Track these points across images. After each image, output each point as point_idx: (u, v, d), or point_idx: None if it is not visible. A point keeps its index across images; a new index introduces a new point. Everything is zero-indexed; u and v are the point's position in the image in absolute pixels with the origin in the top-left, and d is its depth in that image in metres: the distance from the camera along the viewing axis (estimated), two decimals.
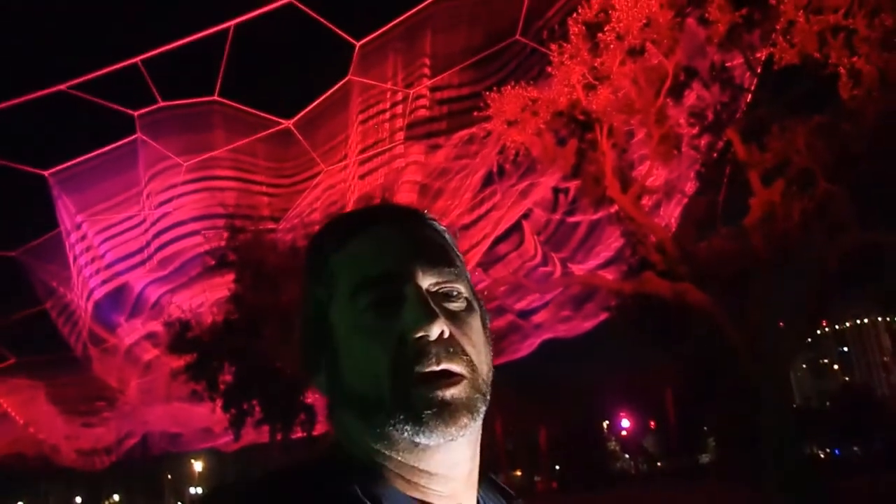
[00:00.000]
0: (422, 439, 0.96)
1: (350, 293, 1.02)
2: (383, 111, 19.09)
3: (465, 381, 0.98)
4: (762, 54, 15.16)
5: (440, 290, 1.02)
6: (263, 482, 0.99)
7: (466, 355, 0.99)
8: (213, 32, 16.60)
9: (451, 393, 0.96)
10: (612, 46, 13.97)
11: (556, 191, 20.78)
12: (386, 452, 0.99)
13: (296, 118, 19.10)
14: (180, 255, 20.91)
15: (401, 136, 19.40)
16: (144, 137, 18.50)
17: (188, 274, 20.54)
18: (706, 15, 14.09)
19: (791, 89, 14.00)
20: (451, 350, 0.98)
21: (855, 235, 13.24)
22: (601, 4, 14.07)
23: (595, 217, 20.08)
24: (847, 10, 12.31)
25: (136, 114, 18.06)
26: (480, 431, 1.04)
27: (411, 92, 18.68)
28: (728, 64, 15.91)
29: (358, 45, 17.44)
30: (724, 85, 15.95)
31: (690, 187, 17.70)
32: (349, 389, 1.00)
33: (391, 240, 1.05)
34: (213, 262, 16.81)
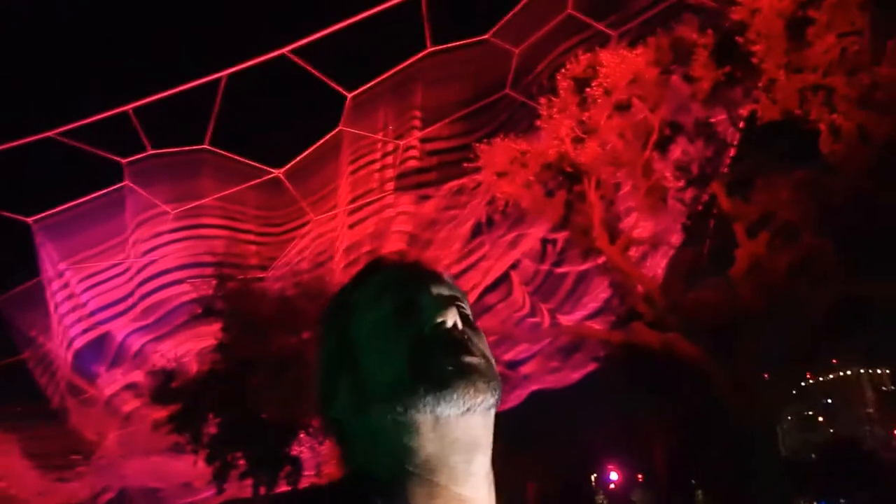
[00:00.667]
0: (442, 407, 1.01)
1: (371, 302, 1.12)
2: (373, 161, 19.26)
3: (480, 356, 1.06)
4: (745, 110, 15.54)
5: (453, 300, 1.12)
6: (289, 499, 1.08)
7: (479, 347, 1.08)
8: (206, 82, 16.77)
9: (469, 359, 1.04)
10: (599, 101, 14.28)
11: (544, 242, 20.95)
12: (411, 445, 1.03)
13: (286, 167, 19.21)
14: (165, 304, 20.74)
15: (391, 186, 19.55)
16: (132, 185, 18.51)
17: (173, 322, 20.35)
18: (690, 72, 14.46)
19: (774, 144, 14.31)
20: (467, 338, 1.08)
21: (839, 287, 13.41)
22: (589, 60, 14.43)
23: (583, 268, 20.21)
24: (826, 69, 12.67)
25: (124, 161, 18.10)
26: (492, 439, 1.10)
27: (402, 143, 18.90)
28: (712, 119, 16.27)
29: (350, 96, 17.67)
30: (708, 140, 16.28)
31: (677, 239, 17.92)
32: (374, 387, 1.06)
33: (405, 271, 1.17)
34: (200, 311, 16.71)
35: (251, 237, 19.98)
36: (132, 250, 19.86)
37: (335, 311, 1.18)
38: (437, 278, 1.16)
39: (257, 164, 19.11)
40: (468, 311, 1.14)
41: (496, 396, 1.06)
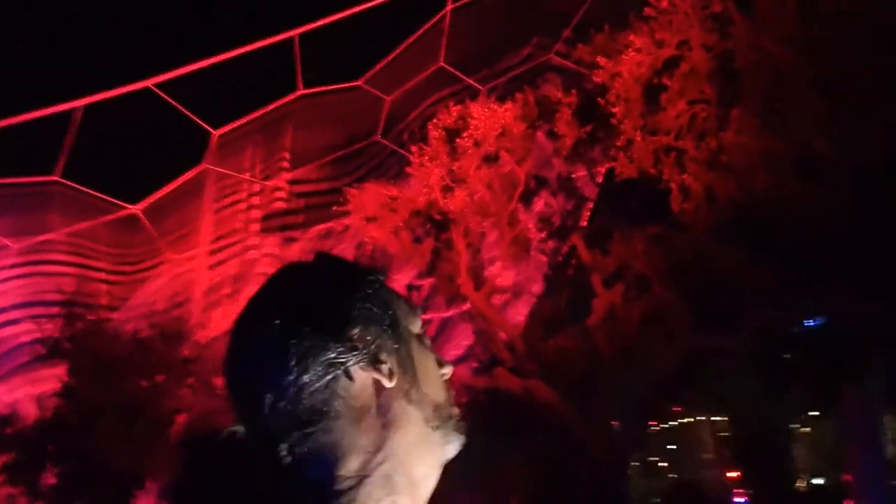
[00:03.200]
0: (451, 445, 1.10)
1: (404, 315, 1.13)
2: (239, 202, 18.81)
3: None
4: (603, 168, 16.43)
5: None
6: None
7: None
8: (61, 110, 15.94)
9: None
10: (469, 152, 14.68)
11: (409, 288, 21.04)
12: (414, 446, 1.06)
13: (144, 203, 18.41)
14: (1, 345, 19.23)
15: (256, 227, 19.11)
16: None
17: (6, 366, 18.88)
18: (555, 129, 15.16)
19: (630, 200, 15.15)
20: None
21: (687, 339, 14.21)
22: (460, 112, 14.84)
23: (447, 314, 20.45)
24: (678, 133, 13.62)
25: None
26: None
27: (269, 184, 18.59)
28: (573, 175, 17.08)
29: (216, 133, 17.24)
30: (569, 194, 17.06)
31: (538, 288, 18.50)
32: (424, 392, 1.10)
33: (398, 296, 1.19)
34: (43, 352, 15.56)
35: (102, 275, 18.91)
36: None
37: (375, 295, 1.10)
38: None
39: (113, 200, 18.20)
40: None
41: None
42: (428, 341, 1.16)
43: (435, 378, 1.12)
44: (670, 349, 14.31)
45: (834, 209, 11.53)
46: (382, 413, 1.04)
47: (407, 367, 1.08)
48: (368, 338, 1.05)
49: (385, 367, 1.04)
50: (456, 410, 1.12)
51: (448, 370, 1.15)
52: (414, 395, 1.07)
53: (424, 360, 1.12)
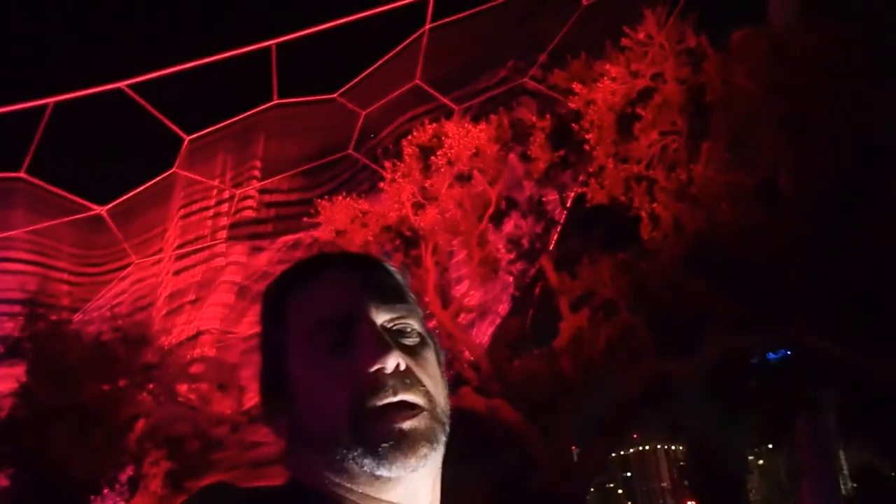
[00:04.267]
0: (382, 472, 0.98)
1: (306, 335, 1.06)
2: (207, 208, 18.64)
3: (423, 412, 1.02)
4: (573, 192, 16.61)
5: (394, 327, 1.08)
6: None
7: (423, 386, 1.04)
8: (30, 107, 15.71)
9: (408, 424, 0.99)
10: (442, 170, 14.75)
11: None
12: (347, 485, 1.01)
13: (110, 205, 18.16)
14: None
15: (223, 234, 18.96)
16: None
17: None
18: (528, 152, 15.31)
19: (599, 226, 15.33)
20: (408, 381, 1.02)
21: (650, 364, 14.37)
22: (435, 130, 14.93)
23: None
24: (649, 163, 13.85)
25: None
26: (441, 464, 1.08)
27: (238, 192, 18.47)
28: (544, 198, 17.23)
29: (187, 139, 17.11)
30: (539, 217, 17.20)
31: (504, 308, 18.59)
32: (307, 429, 1.03)
33: (345, 282, 1.10)
34: (2, 350, 15.27)
35: (65, 276, 18.59)
36: None
37: (270, 320, 1.13)
38: (383, 292, 1.10)
39: (78, 199, 17.93)
40: (416, 326, 1.10)
41: (443, 442, 1.05)
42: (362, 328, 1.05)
43: (330, 403, 1.02)
44: (634, 373, 14.45)
45: (795, 244, 11.81)
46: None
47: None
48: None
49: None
50: (377, 426, 0.99)
51: (382, 363, 1.02)
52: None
53: (320, 386, 1.04)
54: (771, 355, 17.01)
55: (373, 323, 1.05)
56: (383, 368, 1.01)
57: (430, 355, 1.10)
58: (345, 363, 1.02)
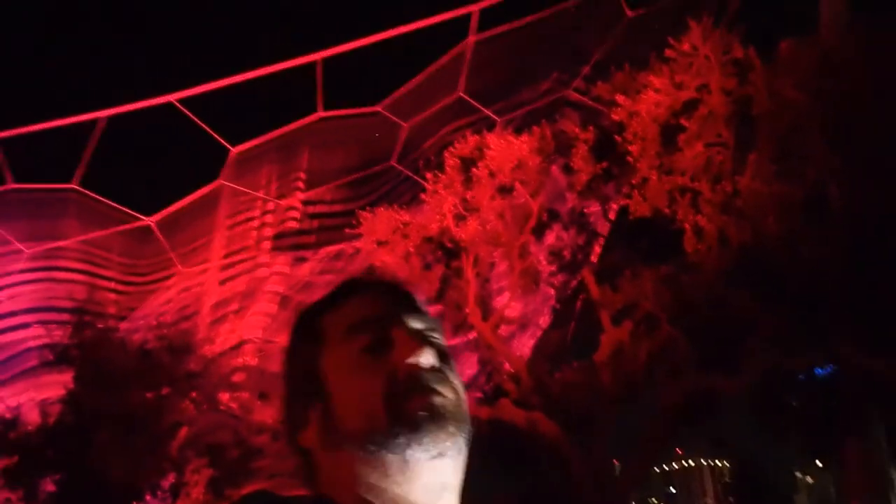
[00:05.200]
0: (413, 451, 1.02)
1: (342, 337, 1.11)
2: (252, 219, 18.91)
3: (452, 399, 1.07)
4: (616, 205, 16.47)
5: (426, 334, 1.12)
6: None
7: (454, 385, 1.08)
8: (83, 120, 16.13)
9: (440, 401, 1.04)
10: (483, 182, 14.76)
11: None
12: (380, 485, 1.04)
13: (158, 216, 18.54)
14: (9, 348, 19.27)
15: (267, 245, 19.20)
16: None
17: (15, 368, 18.91)
18: (570, 164, 15.24)
19: (642, 239, 15.18)
20: (441, 377, 1.07)
21: (692, 379, 14.15)
22: (477, 142, 14.95)
23: (452, 343, 20.44)
24: (693, 174, 13.68)
25: None
26: (462, 477, 1.10)
27: (283, 203, 18.71)
28: (586, 210, 17.12)
29: (234, 151, 17.40)
30: (580, 229, 17.09)
31: (545, 321, 18.48)
32: (346, 429, 1.06)
33: (378, 296, 1.16)
34: (51, 357, 15.63)
35: (112, 284, 19.00)
36: None
37: (302, 337, 1.17)
38: (412, 307, 1.15)
39: (128, 210, 18.35)
40: (441, 341, 1.14)
41: (466, 438, 1.07)
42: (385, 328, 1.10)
43: (367, 393, 1.06)
44: (675, 388, 14.25)
45: (844, 258, 11.55)
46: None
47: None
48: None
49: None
50: (413, 411, 1.03)
51: (418, 357, 1.07)
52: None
53: (358, 380, 1.08)
54: (819, 371, 16.64)
55: (408, 326, 1.11)
56: (419, 363, 1.06)
57: (455, 367, 1.14)
58: (382, 358, 1.07)
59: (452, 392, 1.07)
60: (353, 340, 1.10)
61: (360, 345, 1.09)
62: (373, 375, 1.06)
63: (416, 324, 1.12)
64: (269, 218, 18.98)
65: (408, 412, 1.02)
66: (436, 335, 1.14)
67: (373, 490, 1.05)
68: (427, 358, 1.07)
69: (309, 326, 1.17)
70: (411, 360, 1.06)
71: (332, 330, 1.13)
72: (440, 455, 1.03)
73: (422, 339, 1.09)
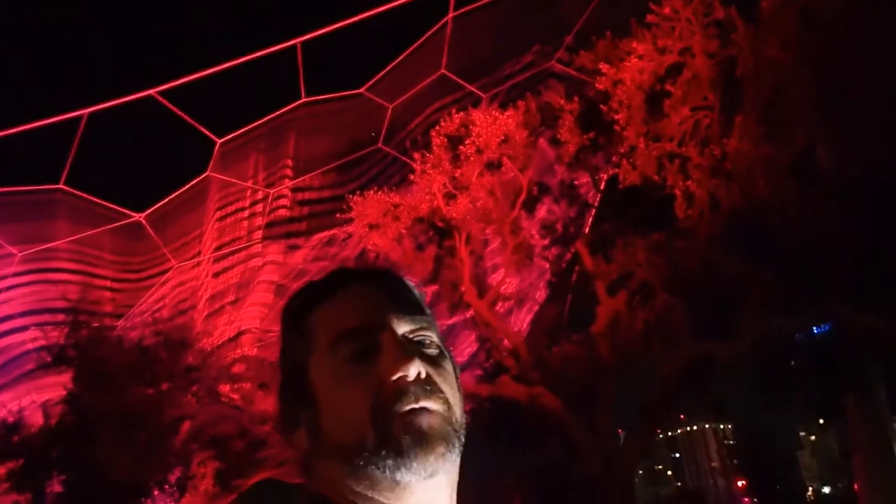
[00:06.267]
0: (402, 474, 1.01)
1: (329, 347, 1.08)
2: (242, 209, 18.84)
3: (441, 416, 1.04)
4: (605, 174, 16.41)
5: (415, 338, 1.10)
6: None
7: (443, 394, 1.06)
8: (65, 119, 15.98)
9: (428, 422, 1.02)
10: (471, 159, 14.69)
11: None
12: (368, 494, 1.03)
13: (148, 211, 18.44)
14: (7, 352, 19.26)
15: (259, 234, 19.15)
16: None
17: (14, 372, 18.92)
18: (557, 136, 15.17)
19: (633, 207, 15.14)
20: (429, 389, 1.05)
21: (689, 346, 14.18)
22: (462, 119, 14.85)
23: (450, 322, 20.45)
24: (681, 140, 13.62)
25: None
26: (457, 479, 1.10)
27: (272, 191, 18.62)
28: (576, 182, 17.06)
29: (219, 142, 17.27)
30: (571, 201, 17.05)
31: (541, 295, 18.49)
32: (332, 440, 1.05)
33: (366, 294, 1.13)
34: (49, 359, 15.62)
35: (107, 283, 18.96)
36: None
37: (292, 337, 1.15)
38: (402, 304, 1.12)
39: (117, 207, 18.24)
40: (434, 338, 1.12)
41: (458, 449, 1.06)
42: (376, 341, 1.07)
43: (353, 405, 1.04)
44: (673, 356, 14.29)
45: (836, 218, 11.52)
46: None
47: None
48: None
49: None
50: (398, 430, 1.01)
51: (404, 371, 1.04)
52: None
53: (344, 392, 1.06)
54: (816, 330, 16.68)
55: (395, 332, 1.08)
56: (406, 376, 1.04)
57: (448, 366, 1.12)
58: (368, 371, 1.05)
59: (442, 403, 1.05)
60: (340, 349, 1.08)
61: (346, 354, 1.07)
62: (359, 388, 1.04)
63: (405, 326, 1.10)
64: (259, 207, 18.90)
65: (394, 436, 1.01)
66: (427, 333, 1.11)
67: (363, 498, 1.04)
68: (414, 369, 1.04)
69: (298, 325, 1.15)
70: (398, 374, 1.04)
71: (319, 333, 1.11)
72: (431, 475, 1.02)
73: (409, 349, 1.06)
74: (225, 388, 16.52)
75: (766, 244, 12.23)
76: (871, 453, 16.69)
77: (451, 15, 15.60)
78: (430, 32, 15.92)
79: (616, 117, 13.86)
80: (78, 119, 15.80)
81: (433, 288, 17.71)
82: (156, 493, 14.93)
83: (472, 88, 17.43)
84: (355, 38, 15.90)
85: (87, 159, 16.90)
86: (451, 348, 1.18)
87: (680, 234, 13.98)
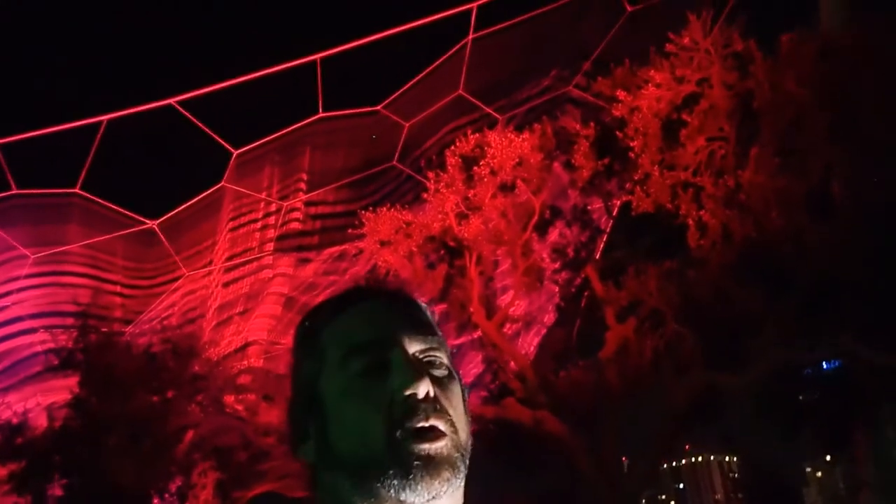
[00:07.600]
0: (407, 495, 1.01)
1: (340, 360, 1.09)
2: (255, 220, 18.92)
3: (447, 438, 1.04)
4: (619, 201, 16.39)
5: (425, 358, 1.10)
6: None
7: (449, 416, 1.06)
8: (84, 125, 16.14)
9: (434, 447, 1.02)
10: (485, 180, 14.70)
11: None
12: None
13: (161, 219, 18.54)
14: (15, 353, 19.32)
15: (270, 246, 19.21)
16: None
17: (22, 373, 18.98)
18: (572, 160, 15.17)
19: (645, 235, 15.10)
20: (438, 408, 1.05)
21: (698, 376, 14.08)
22: (477, 140, 14.89)
23: (457, 342, 20.40)
24: (696, 169, 13.60)
25: None
26: (461, 502, 1.10)
27: (285, 204, 18.70)
28: (589, 207, 17.05)
29: (235, 153, 17.38)
30: (583, 226, 17.02)
31: (549, 318, 18.42)
32: (339, 453, 1.06)
33: (378, 312, 1.14)
34: (56, 362, 15.66)
35: (118, 288, 19.04)
36: None
37: (304, 353, 1.16)
38: (413, 324, 1.13)
39: (131, 214, 18.35)
40: (444, 359, 1.12)
41: (463, 472, 1.06)
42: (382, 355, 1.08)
43: (362, 422, 1.05)
44: (682, 385, 14.19)
45: (849, 252, 11.46)
46: None
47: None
48: None
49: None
50: (407, 453, 1.02)
51: (415, 388, 1.04)
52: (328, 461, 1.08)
53: (353, 409, 1.06)
54: (826, 365, 16.56)
55: (406, 350, 1.09)
56: (416, 394, 1.04)
57: (456, 388, 1.12)
58: (379, 386, 1.05)
59: (449, 424, 1.05)
60: (351, 364, 1.08)
61: (357, 368, 1.08)
62: (369, 403, 1.05)
63: (415, 346, 1.10)
64: (272, 219, 18.99)
65: (401, 457, 1.01)
66: (437, 354, 1.12)
67: None
68: (424, 388, 1.04)
69: (310, 342, 1.16)
70: (409, 391, 1.04)
71: (331, 347, 1.12)
72: (434, 498, 1.02)
73: (419, 368, 1.07)
74: (230, 399, 16.51)
75: (778, 276, 12.17)
76: (876, 490, 16.52)
77: (471, 36, 15.71)
78: (449, 53, 16.04)
79: (631, 144, 13.86)
80: (97, 125, 15.96)
81: (442, 307, 17.68)
82: (156, 501, 14.88)
83: (489, 110, 17.51)
84: (374, 56, 16.02)
85: (105, 165, 17.04)
86: (458, 369, 1.19)
87: (692, 263, 13.93)
